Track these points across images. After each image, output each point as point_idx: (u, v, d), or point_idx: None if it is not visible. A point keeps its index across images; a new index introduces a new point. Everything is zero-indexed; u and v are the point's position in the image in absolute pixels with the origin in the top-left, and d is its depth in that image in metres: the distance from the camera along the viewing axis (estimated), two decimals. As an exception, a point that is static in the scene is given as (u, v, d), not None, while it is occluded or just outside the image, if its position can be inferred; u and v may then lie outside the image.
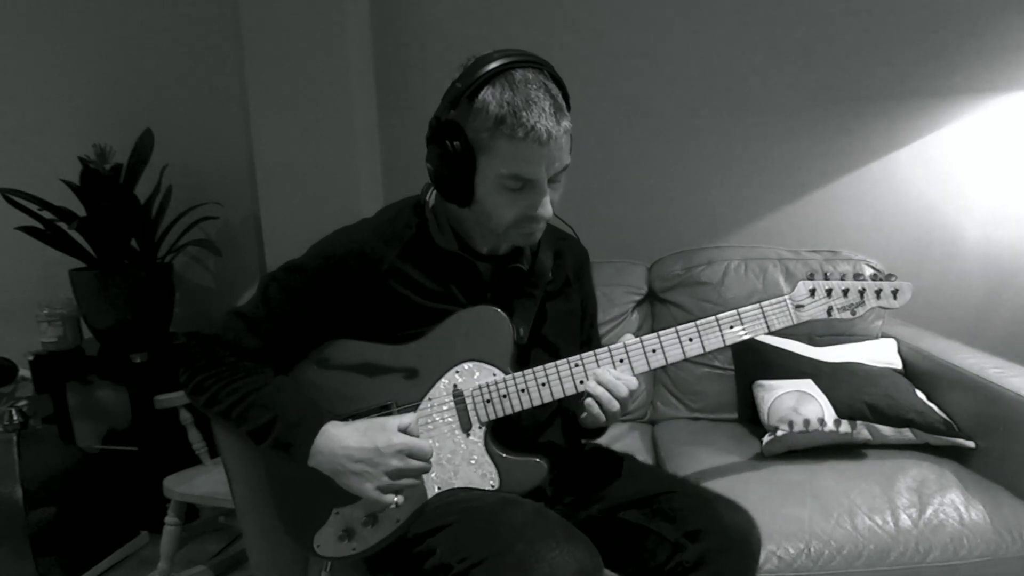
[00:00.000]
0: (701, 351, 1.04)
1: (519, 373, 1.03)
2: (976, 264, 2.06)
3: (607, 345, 1.04)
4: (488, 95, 0.93)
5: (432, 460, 0.99)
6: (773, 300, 1.05)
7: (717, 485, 1.09)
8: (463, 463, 1.03)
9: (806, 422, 1.45)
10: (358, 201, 2.11)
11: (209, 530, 2.15)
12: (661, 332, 1.04)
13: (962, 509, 1.26)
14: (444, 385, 1.05)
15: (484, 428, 1.04)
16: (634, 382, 1.01)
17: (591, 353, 1.04)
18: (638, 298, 1.94)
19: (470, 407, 1.04)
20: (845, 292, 1.07)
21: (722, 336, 1.04)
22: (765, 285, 1.84)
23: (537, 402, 1.03)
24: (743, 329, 1.04)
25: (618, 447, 1.23)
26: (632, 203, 2.19)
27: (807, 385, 1.54)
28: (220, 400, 1.03)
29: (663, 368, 1.64)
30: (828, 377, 1.55)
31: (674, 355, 1.04)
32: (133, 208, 2.14)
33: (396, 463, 0.95)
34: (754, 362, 1.69)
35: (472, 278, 1.09)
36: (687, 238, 2.11)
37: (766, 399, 1.56)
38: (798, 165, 2.10)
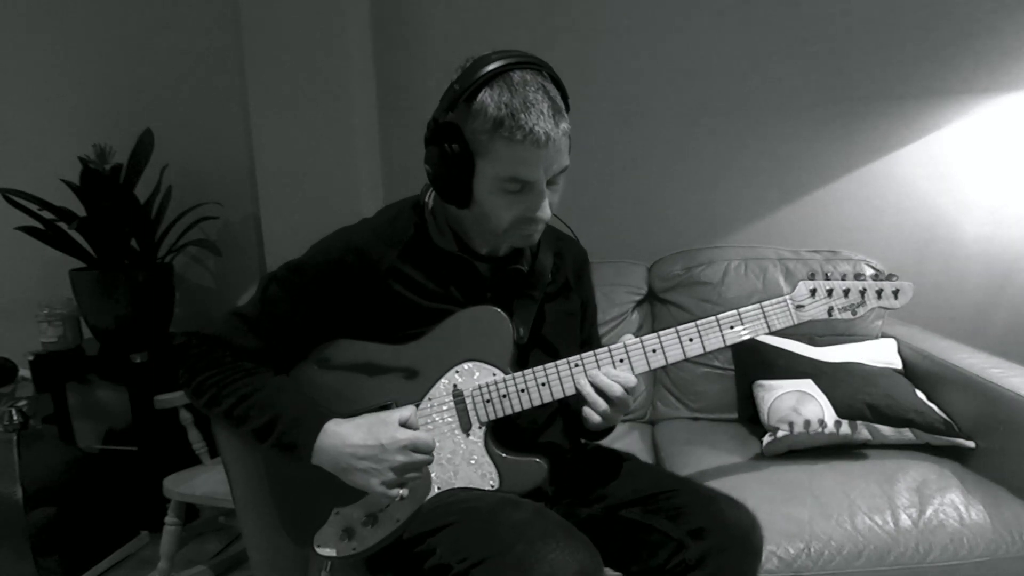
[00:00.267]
0: (701, 351, 1.04)
1: (519, 373, 1.03)
2: (976, 264, 2.06)
3: (607, 345, 1.04)
4: (486, 97, 0.93)
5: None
6: (774, 300, 1.05)
7: (717, 485, 1.09)
8: (463, 463, 1.03)
9: (806, 422, 1.45)
10: (358, 201, 2.11)
11: (209, 530, 2.15)
12: (661, 332, 1.04)
13: (962, 509, 1.26)
14: (444, 385, 1.05)
15: (484, 428, 1.04)
16: (632, 380, 1.01)
17: (591, 353, 1.03)
18: (638, 298, 1.94)
19: (470, 407, 1.04)
20: (846, 292, 1.07)
21: (722, 336, 1.04)
22: (765, 285, 1.84)
23: (537, 402, 1.03)
24: (744, 329, 1.04)
25: (618, 447, 1.23)
26: (632, 203, 2.19)
27: (807, 385, 1.54)
28: (221, 401, 1.03)
29: (663, 368, 1.65)
30: (828, 377, 1.55)
31: (674, 355, 1.04)
32: (133, 208, 2.14)
33: (401, 458, 0.96)
34: (754, 362, 1.69)
35: (472, 279, 1.08)
36: (687, 238, 2.10)
37: (766, 399, 1.56)
38: (798, 165, 2.10)
